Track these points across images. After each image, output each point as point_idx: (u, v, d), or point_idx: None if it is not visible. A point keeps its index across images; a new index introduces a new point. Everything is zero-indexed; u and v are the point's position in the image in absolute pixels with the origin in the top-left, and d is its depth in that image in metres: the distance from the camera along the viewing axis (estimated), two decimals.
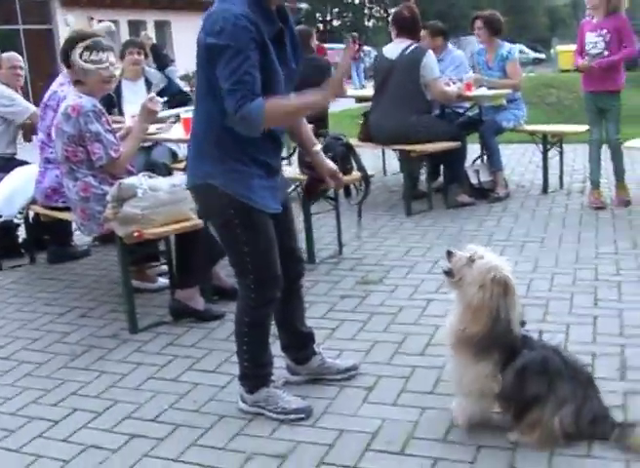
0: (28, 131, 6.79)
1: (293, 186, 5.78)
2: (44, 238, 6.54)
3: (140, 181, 4.33)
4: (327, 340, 4.34)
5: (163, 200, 4.29)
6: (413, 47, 7.05)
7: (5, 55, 6.75)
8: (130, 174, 4.70)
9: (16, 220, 6.51)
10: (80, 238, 6.63)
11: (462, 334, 3.08)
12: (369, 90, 9.10)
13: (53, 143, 5.16)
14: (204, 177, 3.25)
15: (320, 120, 7.41)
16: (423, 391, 3.68)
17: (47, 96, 5.43)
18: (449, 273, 3.16)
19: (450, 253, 3.18)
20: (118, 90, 6.56)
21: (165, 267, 5.39)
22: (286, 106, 3.16)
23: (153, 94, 4.99)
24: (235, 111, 3.00)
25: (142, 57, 6.99)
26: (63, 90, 5.25)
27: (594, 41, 6.84)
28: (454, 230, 6.59)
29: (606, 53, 6.81)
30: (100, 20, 13.89)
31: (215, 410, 3.61)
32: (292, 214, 3.67)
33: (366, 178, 5.60)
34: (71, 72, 4.63)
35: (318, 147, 3.71)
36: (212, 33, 3.02)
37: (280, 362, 3.80)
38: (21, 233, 6.63)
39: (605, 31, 6.78)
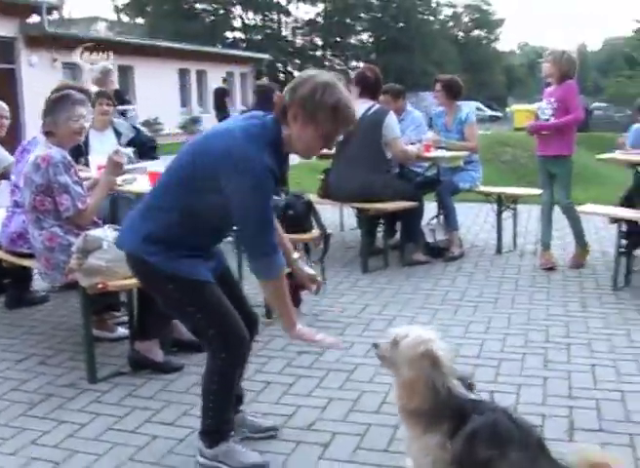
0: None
1: None
2: (2, 282, 6.54)
3: (106, 234, 4.41)
4: (284, 396, 4.42)
5: None
6: (375, 107, 7.25)
7: None
8: (95, 225, 4.77)
9: None
10: (39, 283, 6.66)
11: (405, 409, 3.17)
12: None
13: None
14: (138, 250, 3.44)
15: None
16: (378, 448, 3.77)
17: (27, 141, 5.48)
18: (381, 358, 3.27)
19: (376, 346, 3.28)
20: (86, 140, 6.63)
21: (124, 317, 5.48)
22: None
23: (118, 146, 5.11)
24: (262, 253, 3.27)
25: (111, 108, 7.09)
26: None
27: (544, 108, 7.13)
28: (409, 289, 6.72)
29: (552, 119, 7.07)
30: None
31: (173, 463, 3.67)
32: (234, 280, 3.87)
33: (326, 237, 5.75)
34: (42, 124, 4.71)
35: (296, 255, 3.91)
36: (235, 169, 3.18)
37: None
38: None
39: (553, 99, 7.06)
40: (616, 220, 6.86)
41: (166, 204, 3.42)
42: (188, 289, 3.44)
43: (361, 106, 7.22)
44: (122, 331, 5.43)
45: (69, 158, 4.65)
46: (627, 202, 7.36)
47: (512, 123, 9.03)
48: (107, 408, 4.33)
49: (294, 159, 3.72)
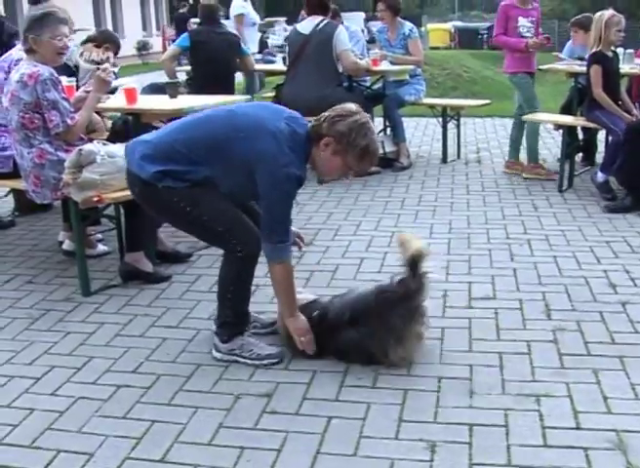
0: None
1: None
2: None
3: (98, 148, 4.52)
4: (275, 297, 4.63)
5: (120, 166, 4.47)
6: (326, 21, 7.43)
7: None
8: (83, 141, 4.85)
9: None
10: (1, 209, 6.71)
11: None
12: (278, 65, 9.42)
13: None
14: (151, 178, 3.66)
15: (226, 88, 7.53)
16: None
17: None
18: None
19: None
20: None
21: (98, 235, 5.61)
22: None
23: (107, 64, 5.14)
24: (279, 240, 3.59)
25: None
26: (18, 53, 5.24)
27: (528, 26, 7.36)
28: (367, 197, 7.00)
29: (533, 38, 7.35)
30: None
31: (190, 360, 3.88)
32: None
33: None
34: (24, 41, 4.73)
35: None
36: (273, 173, 3.50)
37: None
38: None
39: (534, 19, 7.34)
40: (559, 127, 7.21)
41: (194, 157, 3.64)
42: (192, 196, 3.65)
43: (311, 22, 7.39)
44: (102, 247, 5.57)
45: (56, 75, 4.69)
46: (565, 111, 7.74)
47: (427, 42, 9.28)
48: (109, 317, 4.50)
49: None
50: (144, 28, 39.10)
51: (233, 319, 3.84)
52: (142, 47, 34.66)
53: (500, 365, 3.70)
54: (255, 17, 13.67)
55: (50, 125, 4.65)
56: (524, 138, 7.65)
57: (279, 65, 9.36)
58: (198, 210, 3.65)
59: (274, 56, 11.53)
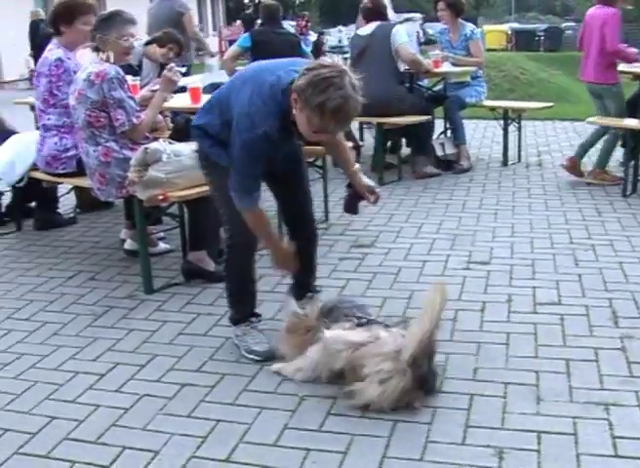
0: None
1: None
2: (29, 206, 6.64)
3: (164, 147, 4.54)
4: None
5: (186, 165, 4.50)
6: (384, 23, 7.50)
7: None
8: (148, 140, 4.88)
9: (0, 188, 6.61)
10: (63, 206, 6.78)
11: None
12: None
13: (50, 110, 5.33)
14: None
15: None
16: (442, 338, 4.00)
17: (38, 63, 5.51)
18: None
19: None
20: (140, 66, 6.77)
21: (161, 234, 5.64)
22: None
23: (173, 64, 5.17)
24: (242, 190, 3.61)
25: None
26: (53, 53, 5.36)
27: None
28: (428, 199, 6.95)
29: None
30: None
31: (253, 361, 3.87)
32: (301, 184, 4.10)
33: (358, 148, 5.90)
34: (91, 40, 4.78)
35: (356, 167, 4.05)
36: (237, 121, 3.50)
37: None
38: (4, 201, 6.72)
39: None
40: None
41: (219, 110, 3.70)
42: (215, 169, 3.80)
43: (370, 26, 7.45)
44: (164, 245, 5.60)
45: (122, 73, 4.73)
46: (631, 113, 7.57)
47: (484, 43, 9.18)
48: (172, 315, 4.52)
49: None
50: (201, 29, 39.34)
51: (233, 309, 4.07)
52: (199, 47, 34.80)
53: (567, 372, 3.64)
54: None
55: (116, 123, 4.68)
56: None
57: None
58: (213, 183, 3.90)
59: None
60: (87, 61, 4.80)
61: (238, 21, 35.96)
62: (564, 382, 3.54)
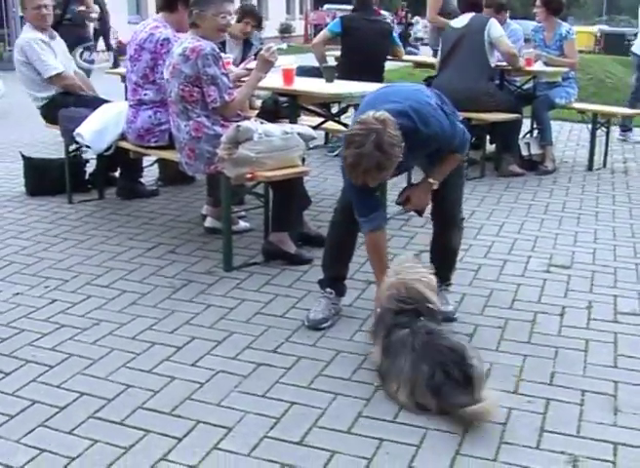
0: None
1: None
2: (112, 175, 6.73)
3: (256, 126, 4.55)
4: None
5: (276, 146, 4.52)
6: (479, 15, 7.41)
7: None
8: (238, 117, 4.90)
9: (86, 156, 6.72)
10: (146, 178, 6.86)
11: None
12: (425, 56, 9.37)
13: (148, 86, 5.38)
14: None
15: (375, 76, 7.46)
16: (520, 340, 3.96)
17: (141, 38, 5.52)
18: None
19: None
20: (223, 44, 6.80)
21: (242, 212, 5.66)
22: None
23: (271, 45, 5.17)
24: None
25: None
26: (161, 32, 5.39)
27: None
28: (510, 198, 6.87)
29: None
30: None
31: (330, 346, 3.88)
32: None
33: None
34: (189, 15, 4.81)
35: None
36: None
37: None
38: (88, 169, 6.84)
39: None
40: None
41: None
42: None
43: (464, 17, 7.37)
44: (244, 224, 5.63)
45: (217, 50, 4.75)
46: None
47: None
48: (250, 294, 4.54)
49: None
50: (288, 11, 39.53)
51: (324, 273, 4.26)
52: (285, 29, 35.09)
53: None
54: None
55: (208, 99, 4.71)
56: None
57: (428, 58, 9.29)
58: None
59: (418, 48, 11.50)
60: (184, 36, 4.84)
61: (325, 6, 36.04)
62: None
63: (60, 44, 6.95)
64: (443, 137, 3.80)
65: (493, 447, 3.03)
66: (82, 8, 8.66)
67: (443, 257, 4.29)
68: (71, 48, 7.47)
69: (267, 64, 4.90)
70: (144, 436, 3.06)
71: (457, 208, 4.24)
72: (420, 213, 4.29)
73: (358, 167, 3.48)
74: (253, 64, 5.23)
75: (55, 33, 6.92)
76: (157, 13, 5.68)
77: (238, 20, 7.02)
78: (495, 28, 7.28)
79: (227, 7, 4.77)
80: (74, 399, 3.33)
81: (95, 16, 9.56)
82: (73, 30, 8.53)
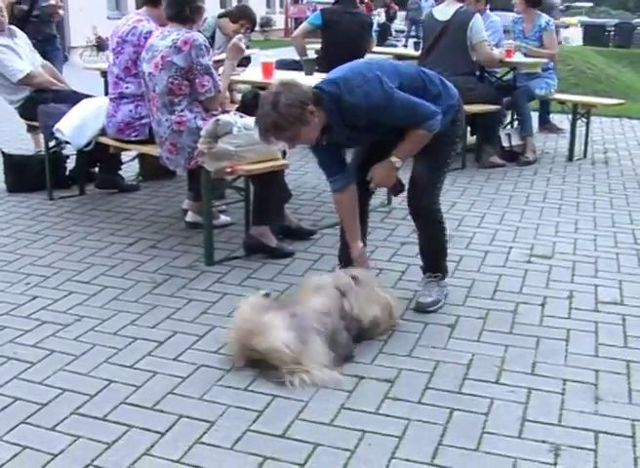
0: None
1: None
2: (92, 171, 6.70)
3: (235, 120, 4.55)
4: (399, 282, 4.62)
5: (256, 139, 4.47)
6: (463, 9, 7.33)
7: None
8: (217, 111, 4.90)
9: (66, 152, 6.68)
10: (126, 173, 6.83)
11: None
12: (407, 49, 9.37)
13: (130, 79, 5.37)
14: None
15: None
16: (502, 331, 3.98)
17: (124, 31, 5.47)
18: None
19: None
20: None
21: (223, 206, 5.65)
22: None
23: (241, 35, 5.18)
24: None
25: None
26: (144, 25, 5.37)
27: None
28: (491, 189, 6.89)
29: None
30: None
31: None
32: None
33: None
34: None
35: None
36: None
37: None
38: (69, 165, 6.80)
39: None
40: None
41: None
42: None
43: (449, 8, 7.32)
44: (225, 218, 5.62)
45: (207, 42, 4.76)
46: None
47: None
48: (231, 288, 4.53)
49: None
50: (268, 5, 39.41)
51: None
52: (265, 23, 35.02)
53: (627, 373, 3.58)
54: None
55: (201, 89, 4.73)
56: None
57: (407, 50, 9.30)
58: None
59: (398, 40, 11.49)
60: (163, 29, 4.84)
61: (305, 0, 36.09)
62: (624, 383, 3.49)
63: (22, 39, 6.92)
64: (371, 110, 3.75)
65: (475, 436, 3.04)
66: (52, 2, 8.56)
67: (425, 253, 4.38)
68: (36, 45, 7.37)
69: (238, 52, 4.98)
70: (127, 431, 3.06)
71: (427, 195, 4.15)
72: (393, 193, 4.34)
73: (259, 125, 3.73)
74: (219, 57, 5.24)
75: (15, 30, 6.89)
76: (138, 8, 5.66)
77: (234, 21, 7.01)
78: (477, 29, 7.28)
79: None
80: (56, 395, 3.32)
81: (62, 12, 9.46)
82: (40, 27, 8.43)
